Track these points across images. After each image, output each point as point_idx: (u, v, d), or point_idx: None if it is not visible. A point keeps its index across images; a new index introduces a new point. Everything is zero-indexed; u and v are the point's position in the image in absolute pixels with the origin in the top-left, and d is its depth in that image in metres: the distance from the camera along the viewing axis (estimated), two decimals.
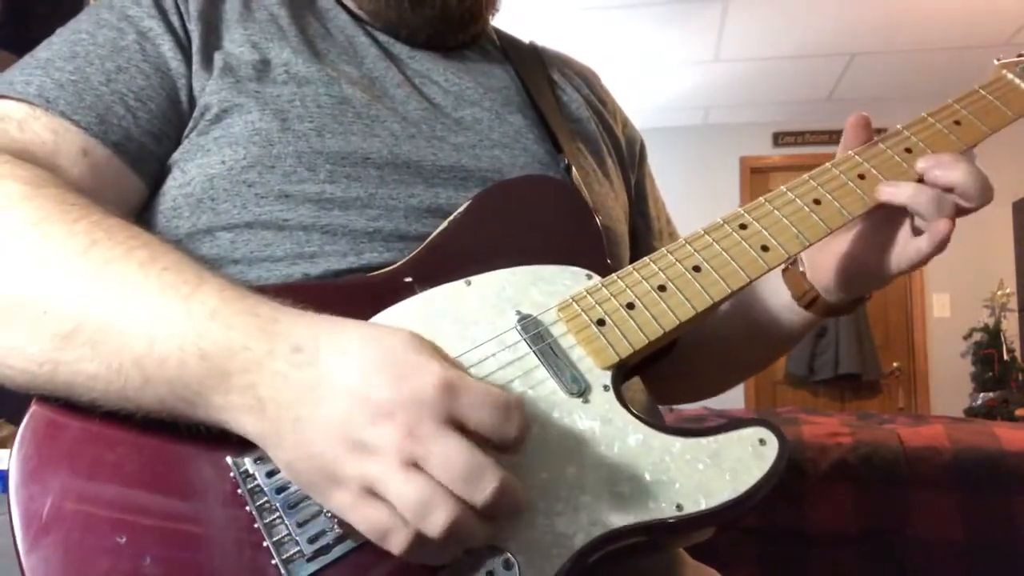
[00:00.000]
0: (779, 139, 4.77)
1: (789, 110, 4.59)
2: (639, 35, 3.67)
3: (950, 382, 4.39)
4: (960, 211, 0.62)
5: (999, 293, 4.31)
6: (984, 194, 0.62)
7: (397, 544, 0.42)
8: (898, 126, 0.68)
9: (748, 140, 4.75)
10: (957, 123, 0.68)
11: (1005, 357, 4.11)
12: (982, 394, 4.06)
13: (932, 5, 3.36)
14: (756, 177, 4.74)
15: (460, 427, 0.42)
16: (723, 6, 3.40)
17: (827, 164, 0.66)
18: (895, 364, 4.53)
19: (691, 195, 3.67)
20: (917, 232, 0.64)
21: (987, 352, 4.15)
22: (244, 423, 0.45)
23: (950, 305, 4.47)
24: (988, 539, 1.44)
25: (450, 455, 0.41)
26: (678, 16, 3.49)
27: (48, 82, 0.61)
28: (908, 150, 0.67)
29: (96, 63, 0.63)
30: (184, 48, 0.66)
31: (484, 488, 0.41)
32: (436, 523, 0.40)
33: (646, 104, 4.33)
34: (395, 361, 0.43)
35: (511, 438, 0.43)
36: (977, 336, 4.25)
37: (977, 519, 1.45)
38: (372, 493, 0.42)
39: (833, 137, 4.70)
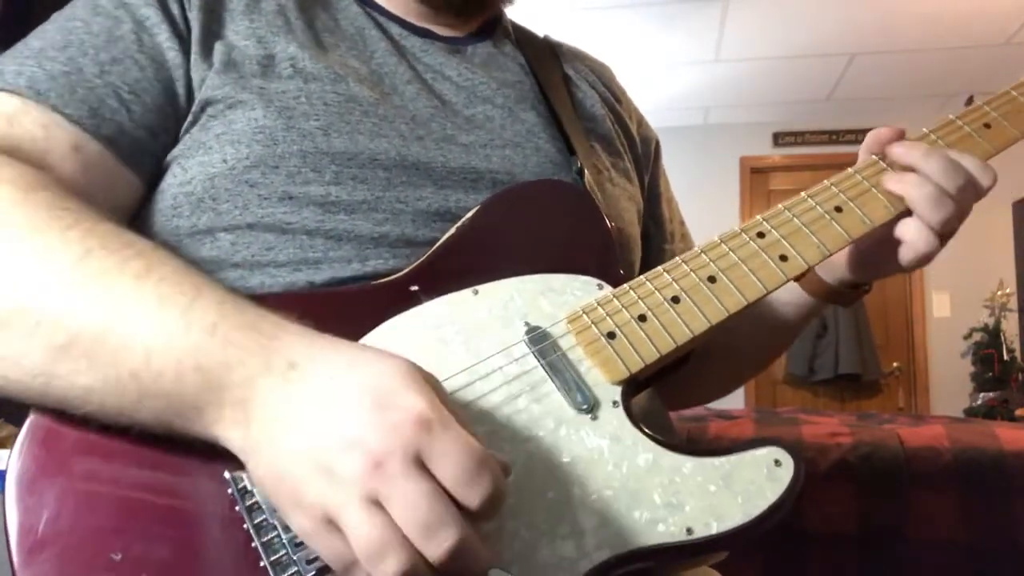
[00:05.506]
0: (779, 139, 4.75)
1: (789, 110, 4.58)
2: (639, 35, 3.66)
3: (950, 382, 4.38)
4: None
5: (999, 293, 4.30)
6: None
7: None
8: (924, 129, 0.66)
9: (748, 140, 4.74)
10: (987, 126, 0.66)
11: (1005, 357, 4.10)
12: (982, 394, 4.06)
13: (932, 5, 3.35)
14: (756, 177, 4.74)
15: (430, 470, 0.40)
16: (723, 6, 3.39)
17: (849, 170, 0.64)
18: (895, 364, 4.52)
19: (691, 195, 3.62)
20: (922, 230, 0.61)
21: (987, 352, 4.14)
22: (231, 437, 0.44)
23: (950, 305, 4.47)
24: (988, 539, 1.44)
25: (411, 499, 0.39)
26: (678, 16, 3.48)
27: (40, 73, 0.59)
28: None
29: (90, 53, 0.61)
30: (182, 38, 0.64)
31: (441, 543, 0.39)
32: (386, 571, 0.39)
33: (646, 104, 4.30)
34: (380, 389, 0.42)
35: (472, 506, 0.40)
36: (977, 336, 4.24)
37: (977, 519, 1.45)
38: (332, 523, 0.40)
39: (833, 137, 4.69)
